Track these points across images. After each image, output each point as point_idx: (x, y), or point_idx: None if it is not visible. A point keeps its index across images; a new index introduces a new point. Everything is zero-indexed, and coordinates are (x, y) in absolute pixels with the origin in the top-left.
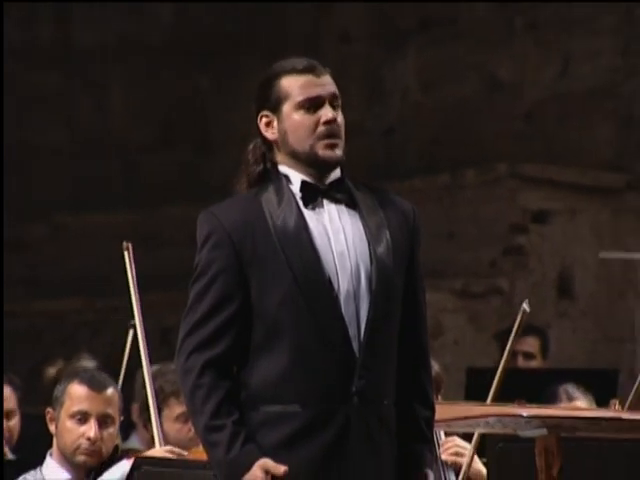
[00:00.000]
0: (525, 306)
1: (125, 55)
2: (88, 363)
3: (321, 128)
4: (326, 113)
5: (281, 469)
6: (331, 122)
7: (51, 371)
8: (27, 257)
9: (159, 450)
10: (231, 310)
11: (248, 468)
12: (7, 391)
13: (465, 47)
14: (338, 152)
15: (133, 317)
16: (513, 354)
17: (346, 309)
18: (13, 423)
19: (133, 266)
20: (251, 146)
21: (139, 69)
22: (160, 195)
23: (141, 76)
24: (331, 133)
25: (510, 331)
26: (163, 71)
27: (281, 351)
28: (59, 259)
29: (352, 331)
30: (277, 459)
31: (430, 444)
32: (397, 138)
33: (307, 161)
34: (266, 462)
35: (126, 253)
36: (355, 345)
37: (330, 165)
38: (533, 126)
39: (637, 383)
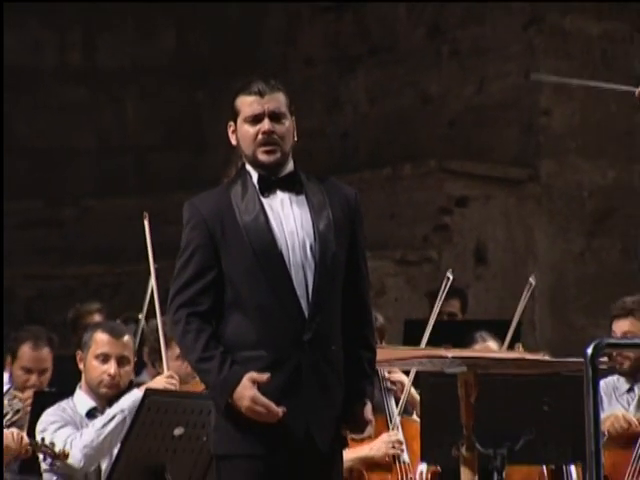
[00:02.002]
0: (449, 274)
1: (137, 75)
2: (94, 305)
3: (260, 137)
4: (264, 126)
5: (264, 376)
6: (267, 133)
7: (70, 314)
8: (61, 232)
9: (161, 378)
10: (209, 278)
11: (238, 382)
12: (46, 352)
13: (403, 69)
14: (274, 156)
15: (149, 274)
16: (440, 313)
17: (296, 276)
18: (47, 376)
19: (149, 232)
20: (237, 149)
21: (148, 86)
22: (165, 185)
23: (150, 91)
24: (267, 142)
25: (438, 291)
26: (167, 87)
27: (246, 310)
28: (86, 234)
29: (301, 293)
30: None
31: (370, 379)
32: (350, 140)
33: (253, 163)
34: (252, 374)
35: (145, 221)
36: (304, 304)
37: (268, 166)
38: (455, 130)
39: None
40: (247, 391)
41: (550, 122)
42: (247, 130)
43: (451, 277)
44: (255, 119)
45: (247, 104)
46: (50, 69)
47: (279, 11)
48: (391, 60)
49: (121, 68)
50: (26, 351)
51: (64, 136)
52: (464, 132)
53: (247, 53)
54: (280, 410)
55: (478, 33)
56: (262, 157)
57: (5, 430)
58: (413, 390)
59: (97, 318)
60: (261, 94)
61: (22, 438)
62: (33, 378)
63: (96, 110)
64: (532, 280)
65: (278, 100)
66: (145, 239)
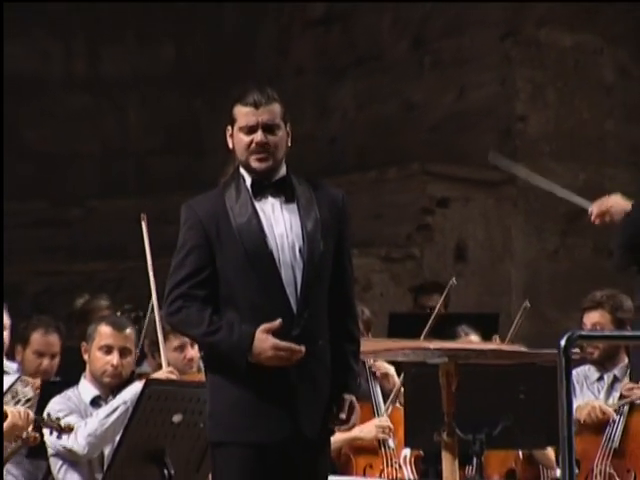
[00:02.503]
0: (454, 281)
1: (138, 83)
2: (104, 302)
3: (253, 146)
4: (257, 137)
5: (276, 323)
6: (260, 144)
7: (79, 301)
8: (67, 231)
9: (163, 372)
10: (203, 276)
11: (253, 337)
12: (56, 337)
13: (388, 78)
14: (265, 163)
15: (147, 275)
16: (422, 307)
17: (285, 275)
18: (56, 361)
19: (148, 234)
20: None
21: (149, 94)
22: (164, 187)
23: (150, 99)
24: (259, 151)
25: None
26: (167, 95)
27: (239, 306)
28: (90, 233)
29: (290, 291)
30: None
31: (354, 372)
32: (338, 145)
33: (246, 168)
34: (264, 326)
35: (143, 222)
36: (292, 301)
37: (260, 173)
38: (437, 136)
39: (514, 325)
40: (266, 343)
41: (526, 128)
42: (242, 139)
43: (454, 283)
44: (249, 130)
45: (243, 114)
46: (56, 78)
47: (272, 24)
48: (377, 70)
49: (123, 77)
50: (37, 337)
51: (69, 141)
52: (445, 137)
53: (242, 63)
54: (302, 348)
55: (458, 44)
56: (254, 164)
57: (11, 408)
58: (396, 378)
59: (106, 314)
60: (256, 106)
61: (28, 415)
62: (45, 362)
63: (99, 116)
64: (527, 304)
65: (272, 112)
66: (143, 239)
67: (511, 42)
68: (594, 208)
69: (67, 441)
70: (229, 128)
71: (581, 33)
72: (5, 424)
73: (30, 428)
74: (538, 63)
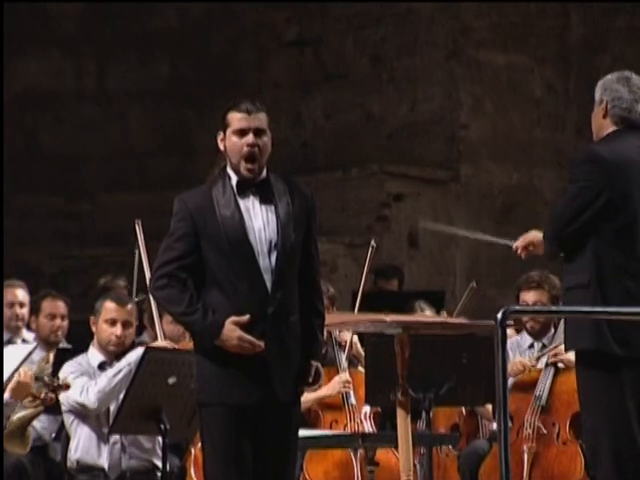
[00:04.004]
0: (373, 243)
1: (139, 96)
2: (121, 282)
3: (245, 149)
4: (249, 139)
5: (245, 318)
6: (252, 146)
7: (102, 280)
8: (78, 222)
9: (160, 342)
10: (189, 261)
11: (222, 326)
12: (62, 303)
13: (352, 92)
14: (252, 173)
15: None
16: (380, 288)
17: (262, 262)
18: (65, 323)
19: (142, 236)
20: (220, 154)
21: (147, 104)
22: (161, 184)
23: (149, 109)
24: (250, 155)
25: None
26: (163, 106)
27: (221, 289)
28: (98, 223)
29: (266, 276)
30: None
31: (320, 342)
32: (309, 149)
33: (236, 170)
34: (233, 318)
35: (137, 227)
36: (269, 285)
37: (247, 179)
38: (393, 141)
39: (461, 301)
40: (233, 332)
41: (468, 134)
42: (235, 142)
43: (375, 245)
44: (242, 133)
45: (236, 119)
46: (68, 91)
47: (252, 46)
48: (342, 85)
49: (126, 90)
50: (47, 304)
51: (80, 144)
52: (400, 142)
53: (227, 79)
54: (262, 343)
55: (410, 64)
56: (244, 171)
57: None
58: (360, 347)
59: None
60: (249, 112)
61: (27, 372)
62: (57, 322)
63: (105, 123)
64: (474, 284)
65: (261, 119)
66: (137, 239)
67: (455, 62)
68: (519, 243)
69: (79, 397)
70: (220, 133)
71: (514, 54)
72: (11, 384)
73: (44, 392)
74: (477, 80)
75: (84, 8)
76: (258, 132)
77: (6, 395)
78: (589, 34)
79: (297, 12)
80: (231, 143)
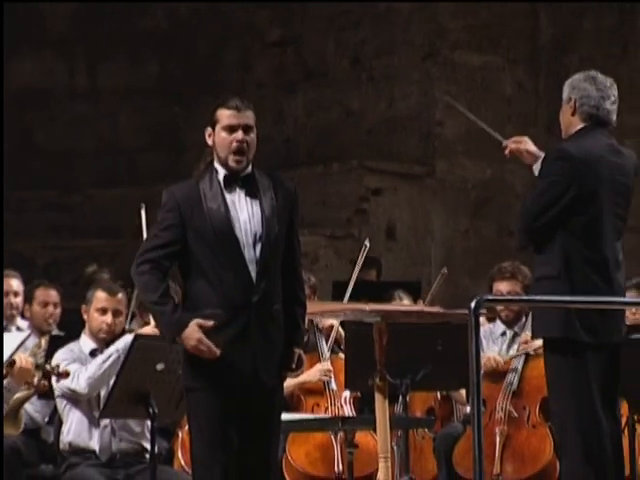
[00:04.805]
0: (366, 243)
1: (129, 93)
2: (105, 275)
3: (234, 144)
4: (238, 135)
5: (210, 323)
6: (240, 141)
7: (89, 269)
8: (71, 215)
9: (148, 328)
10: (174, 249)
11: (186, 325)
12: (54, 291)
13: (332, 90)
14: (241, 165)
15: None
16: (361, 280)
17: (247, 253)
18: (58, 311)
19: (144, 217)
20: (207, 149)
21: (137, 101)
22: (150, 178)
23: (138, 106)
24: (239, 150)
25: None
26: (152, 103)
27: (207, 279)
28: (89, 215)
29: (251, 266)
30: (209, 339)
31: (301, 330)
32: (292, 144)
33: (223, 165)
34: (198, 320)
35: (142, 211)
36: (253, 274)
37: (235, 172)
38: (372, 138)
39: (433, 287)
40: (195, 333)
41: (443, 131)
42: (224, 138)
43: (368, 245)
44: (232, 129)
45: (226, 116)
46: (61, 89)
47: (237, 46)
48: (323, 84)
49: (116, 88)
50: (40, 292)
51: (72, 140)
52: (379, 138)
53: (213, 78)
54: (218, 351)
55: (388, 63)
56: (232, 164)
57: (16, 356)
58: (342, 331)
59: None
60: (238, 109)
61: (28, 359)
62: (50, 309)
63: (96, 120)
64: (445, 270)
65: (249, 116)
66: (140, 221)
67: (431, 62)
68: (510, 144)
69: (71, 383)
70: (209, 129)
71: (487, 55)
72: (13, 370)
73: (38, 377)
74: (452, 79)
75: (76, 9)
76: (246, 129)
77: (6, 381)
78: (558, 34)
79: (279, 13)
80: (220, 139)
